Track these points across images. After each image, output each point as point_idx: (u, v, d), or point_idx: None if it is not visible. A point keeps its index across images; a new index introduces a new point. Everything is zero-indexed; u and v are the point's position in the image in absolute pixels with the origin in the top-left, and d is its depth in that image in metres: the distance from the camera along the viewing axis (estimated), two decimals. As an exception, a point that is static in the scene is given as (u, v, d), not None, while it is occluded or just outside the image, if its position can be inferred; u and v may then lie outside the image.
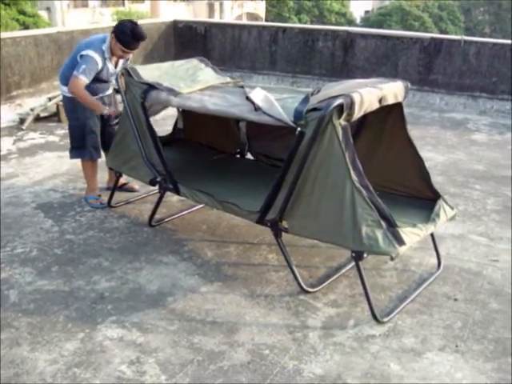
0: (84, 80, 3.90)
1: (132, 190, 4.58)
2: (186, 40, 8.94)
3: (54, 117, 6.72)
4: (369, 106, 2.89)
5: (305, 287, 3.21)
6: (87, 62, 3.91)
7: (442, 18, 30.11)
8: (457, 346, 2.79)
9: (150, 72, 3.80)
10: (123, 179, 4.38)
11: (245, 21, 26.06)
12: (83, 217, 4.20)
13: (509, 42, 7.07)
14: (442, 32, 26.94)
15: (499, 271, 3.50)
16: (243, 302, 3.14)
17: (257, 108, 3.10)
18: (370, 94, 2.88)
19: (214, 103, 3.33)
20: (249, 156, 4.39)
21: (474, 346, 2.80)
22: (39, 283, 3.31)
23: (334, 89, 3.17)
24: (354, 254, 2.91)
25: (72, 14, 20.66)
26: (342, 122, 2.81)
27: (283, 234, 3.19)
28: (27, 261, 3.55)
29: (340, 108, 2.76)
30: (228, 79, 3.96)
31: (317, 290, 3.24)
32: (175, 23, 9.03)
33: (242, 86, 3.60)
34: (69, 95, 4.10)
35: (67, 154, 4.46)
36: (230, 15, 27.78)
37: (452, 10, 30.68)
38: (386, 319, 2.97)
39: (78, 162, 4.82)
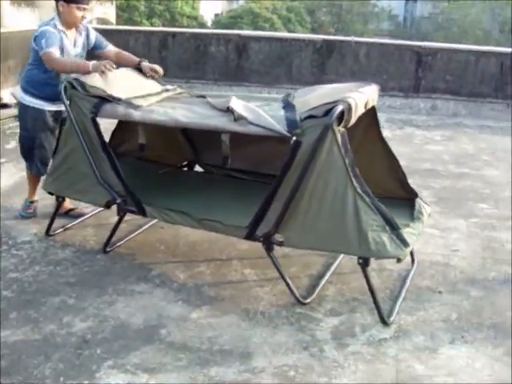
0: (53, 50, 3.53)
1: (80, 216, 4.12)
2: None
3: None
4: (359, 111, 2.88)
5: (301, 299, 3.12)
6: (44, 34, 3.57)
7: (290, 20, 31.41)
8: (463, 337, 2.89)
9: (93, 82, 3.43)
10: (71, 204, 3.93)
11: (95, 25, 24.96)
12: (20, 250, 3.68)
13: (395, 42, 7.56)
14: (290, 32, 28.10)
15: (464, 260, 3.70)
16: (242, 324, 2.97)
17: (237, 118, 2.95)
18: (360, 99, 2.87)
19: (184, 115, 3.11)
20: (197, 168, 4.20)
21: (477, 335, 2.92)
22: (1, 334, 2.84)
23: (313, 95, 3.13)
24: (360, 261, 2.88)
25: None
26: (341, 128, 2.77)
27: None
28: (-27, 310, 3.04)
29: (340, 114, 2.71)
30: (178, 89, 3.74)
31: (311, 301, 3.17)
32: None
33: (204, 96, 3.41)
34: (23, 102, 3.82)
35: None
36: (79, 20, 26.40)
37: (299, 11, 32.15)
38: (391, 320, 2.99)
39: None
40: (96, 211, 4.23)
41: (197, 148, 4.07)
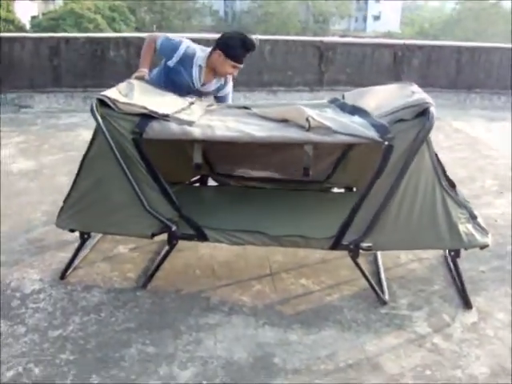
0: (159, 36, 3.58)
1: None
2: None
3: None
4: (433, 111, 2.96)
5: (384, 299, 3.15)
6: (179, 42, 3.52)
7: (114, 19, 30.32)
8: (532, 309, 3.17)
9: (124, 99, 3.05)
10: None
11: None
12: (38, 302, 3.15)
13: (298, 38, 7.77)
14: (116, 32, 27.16)
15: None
16: (346, 335, 2.90)
17: (313, 127, 2.85)
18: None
19: (254, 130, 2.90)
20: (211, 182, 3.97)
21: (542, 304, 3.22)
22: (100, 404, 2.44)
23: (372, 98, 3.17)
24: (452, 253, 3.00)
25: None
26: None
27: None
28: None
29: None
30: (198, 101, 3.48)
31: (389, 300, 3.21)
32: None
33: (247, 107, 3.23)
34: None
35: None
36: None
37: (122, 10, 31.20)
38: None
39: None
40: (91, 245, 3.80)
41: (210, 161, 3.84)
